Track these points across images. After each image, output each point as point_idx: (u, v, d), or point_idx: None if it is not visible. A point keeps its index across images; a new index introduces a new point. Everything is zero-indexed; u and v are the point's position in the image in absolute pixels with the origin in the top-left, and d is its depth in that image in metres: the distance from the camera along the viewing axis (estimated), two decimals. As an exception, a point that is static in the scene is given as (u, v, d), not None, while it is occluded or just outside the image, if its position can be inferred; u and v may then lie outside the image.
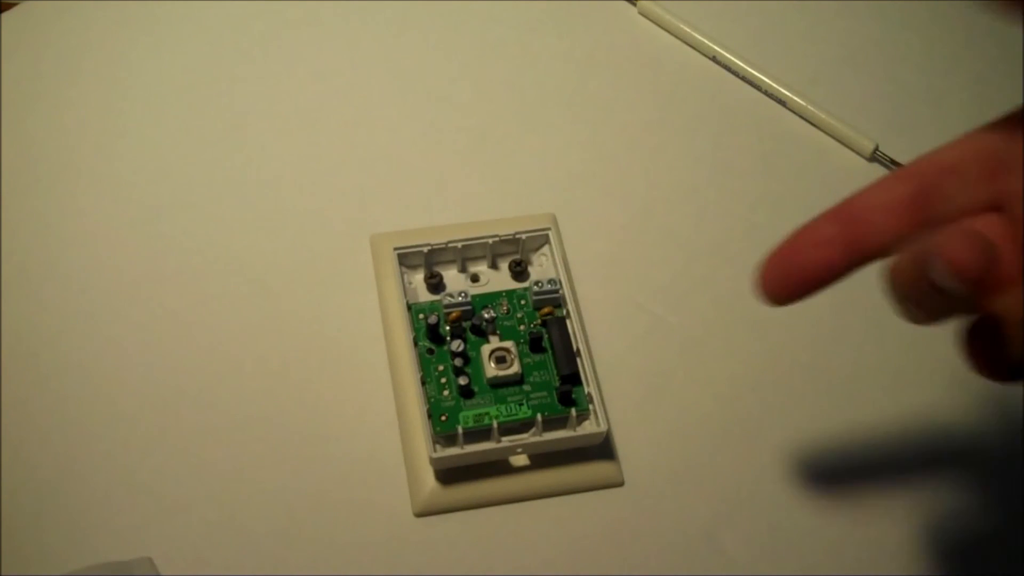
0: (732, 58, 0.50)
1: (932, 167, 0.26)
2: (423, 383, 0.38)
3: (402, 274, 0.40)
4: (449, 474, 0.38)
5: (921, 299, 0.24)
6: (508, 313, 0.40)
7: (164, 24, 0.50)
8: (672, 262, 0.45)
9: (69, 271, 0.43)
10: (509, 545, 0.38)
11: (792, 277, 0.27)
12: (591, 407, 0.38)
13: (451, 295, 0.40)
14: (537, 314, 0.40)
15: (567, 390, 0.38)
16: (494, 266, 0.42)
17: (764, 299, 0.27)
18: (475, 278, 0.42)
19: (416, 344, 0.39)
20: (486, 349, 0.39)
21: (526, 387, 0.39)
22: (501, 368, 0.38)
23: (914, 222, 0.26)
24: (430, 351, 0.39)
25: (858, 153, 0.48)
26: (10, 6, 0.50)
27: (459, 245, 0.41)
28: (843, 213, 0.27)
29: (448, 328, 0.40)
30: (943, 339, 0.30)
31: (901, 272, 0.24)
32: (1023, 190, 0.25)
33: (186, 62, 0.49)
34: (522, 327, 0.40)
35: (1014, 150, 0.25)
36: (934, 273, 0.22)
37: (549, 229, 0.42)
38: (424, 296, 0.41)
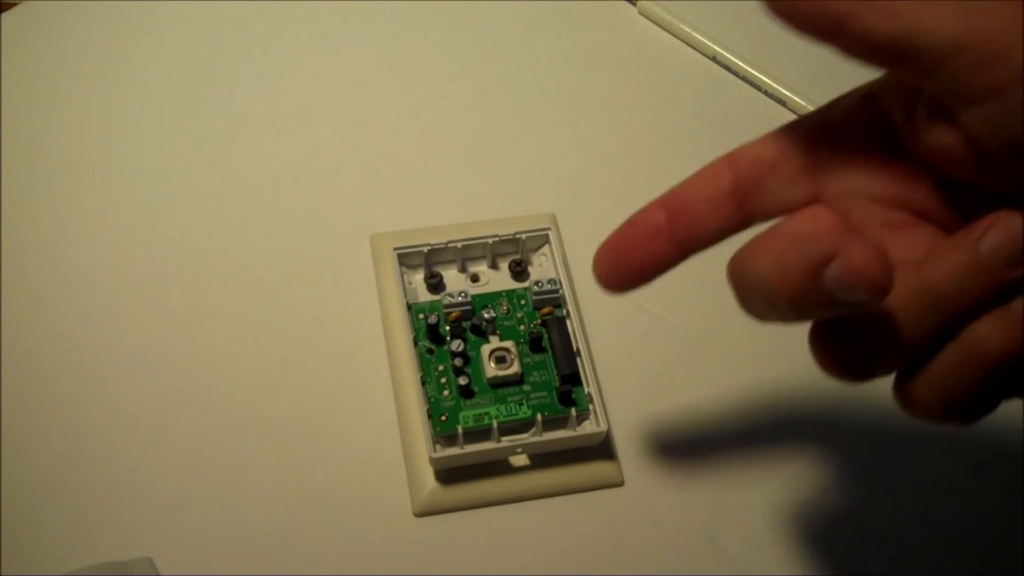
0: (732, 58, 0.50)
1: (752, 162, 0.28)
2: (423, 383, 0.38)
3: (402, 274, 0.40)
4: (449, 474, 0.38)
5: (804, 306, 0.24)
6: (508, 313, 0.40)
7: (164, 24, 0.50)
8: (672, 262, 0.45)
9: (69, 271, 0.43)
10: (509, 545, 0.38)
11: (624, 268, 0.28)
12: (591, 407, 0.38)
13: (451, 295, 0.40)
14: (537, 314, 0.40)
15: (567, 390, 0.38)
16: (494, 266, 0.42)
17: (601, 286, 0.29)
18: (475, 278, 0.42)
19: (416, 344, 0.39)
20: (486, 349, 0.39)
21: (526, 387, 0.39)
22: (501, 368, 0.38)
23: (738, 215, 0.28)
24: (430, 351, 0.39)
25: (858, 153, 0.48)
26: (10, 6, 0.50)
27: (459, 245, 0.41)
28: (671, 202, 0.28)
29: (448, 328, 0.40)
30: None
31: (782, 278, 0.24)
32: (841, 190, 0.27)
33: (186, 62, 0.49)
34: (522, 327, 0.40)
35: (831, 151, 0.27)
36: (836, 284, 0.22)
37: (549, 229, 0.42)
38: (424, 296, 0.41)
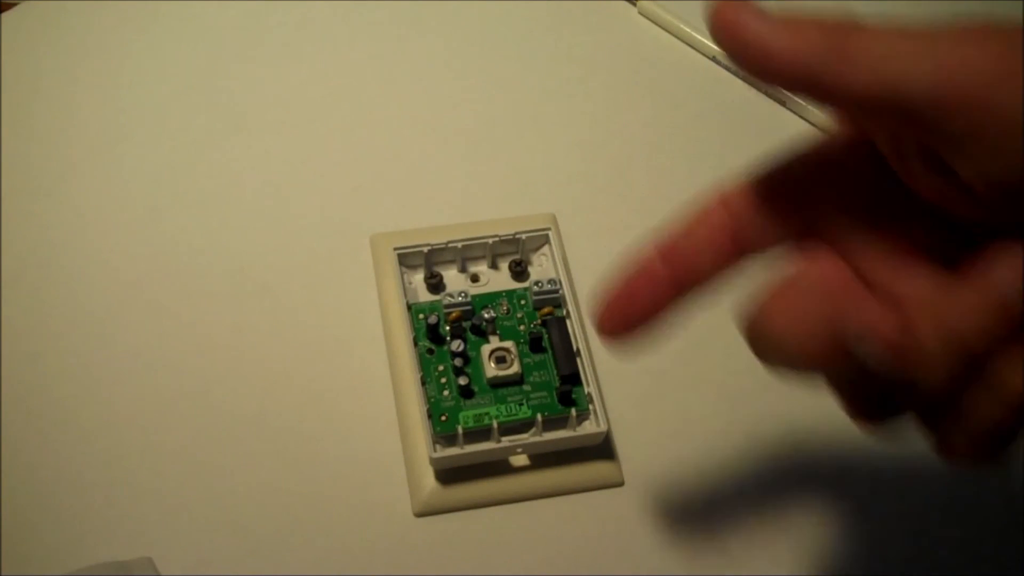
0: (732, 58, 0.50)
1: (745, 200, 0.27)
2: (423, 383, 0.38)
3: (402, 274, 0.40)
4: (449, 474, 0.38)
5: (831, 372, 0.25)
6: (508, 313, 0.40)
7: (164, 24, 0.50)
8: (672, 262, 0.45)
9: (69, 271, 0.43)
10: (509, 545, 0.38)
11: (631, 321, 0.28)
12: (591, 407, 0.38)
13: (451, 295, 0.40)
14: (537, 314, 0.40)
15: (567, 390, 0.38)
16: (494, 266, 0.42)
17: (604, 340, 0.28)
18: (475, 278, 0.42)
19: (416, 344, 0.39)
20: (486, 349, 0.39)
21: (526, 387, 0.39)
22: (501, 368, 0.38)
23: (734, 254, 0.28)
24: (430, 351, 0.39)
25: (858, 153, 0.48)
26: (10, 6, 0.50)
27: (459, 245, 0.41)
28: (669, 252, 0.28)
29: (448, 328, 0.40)
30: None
31: (807, 347, 0.24)
32: (839, 224, 0.26)
33: (186, 62, 0.49)
34: (522, 327, 0.40)
35: (826, 185, 0.26)
36: (864, 353, 0.23)
37: (549, 229, 0.42)
38: (424, 296, 0.41)
